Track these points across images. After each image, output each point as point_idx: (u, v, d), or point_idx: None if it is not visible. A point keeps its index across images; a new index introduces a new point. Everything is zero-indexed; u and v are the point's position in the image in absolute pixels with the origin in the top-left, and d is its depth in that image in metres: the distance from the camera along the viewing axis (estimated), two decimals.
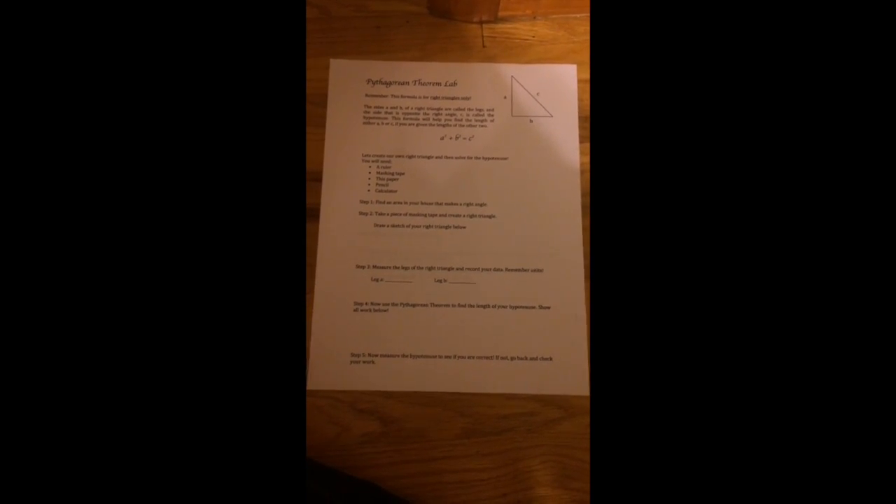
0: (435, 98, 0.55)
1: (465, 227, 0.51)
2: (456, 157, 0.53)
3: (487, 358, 0.48)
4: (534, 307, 0.49)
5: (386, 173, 0.52)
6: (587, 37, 0.56)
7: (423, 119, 0.54)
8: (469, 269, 0.50)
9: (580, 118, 0.54)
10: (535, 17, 0.57)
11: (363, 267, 0.50)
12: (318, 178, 0.52)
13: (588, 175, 0.52)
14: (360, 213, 0.51)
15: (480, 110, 0.54)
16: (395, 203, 0.52)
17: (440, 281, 0.50)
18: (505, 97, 0.55)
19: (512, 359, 0.48)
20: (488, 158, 0.53)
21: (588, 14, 0.56)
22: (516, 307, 0.49)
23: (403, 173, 0.53)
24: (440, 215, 0.51)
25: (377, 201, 0.52)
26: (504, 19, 0.57)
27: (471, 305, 0.49)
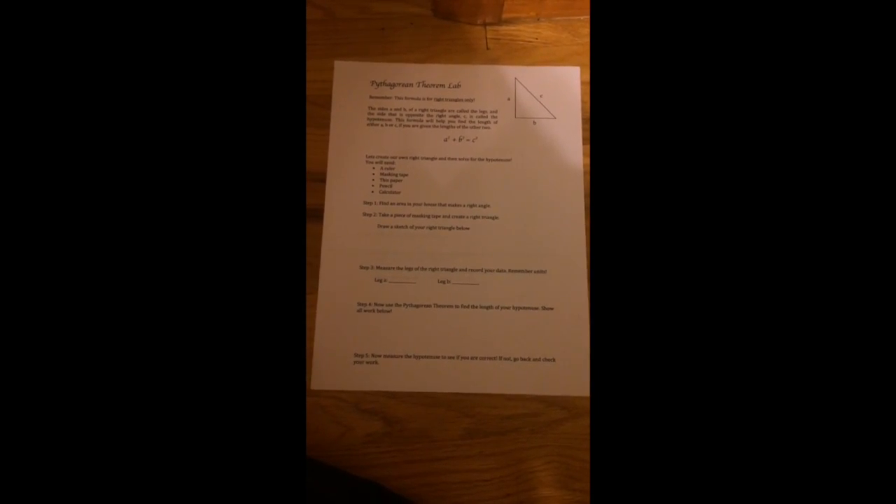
0: (438, 100, 0.55)
1: (468, 229, 0.51)
2: (459, 159, 0.53)
3: (490, 359, 0.48)
4: (537, 308, 0.49)
5: (389, 174, 0.53)
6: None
7: (427, 120, 0.54)
8: (472, 270, 0.50)
9: (583, 120, 0.54)
10: (538, 19, 0.57)
11: (367, 268, 0.50)
12: (322, 179, 0.52)
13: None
14: (364, 214, 0.52)
15: (484, 112, 0.54)
16: (398, 204, 0.52)
17: (443, 282, 0.50)
18: (508, 99, 0.55)
19: (515, 359, 0.48)
20: (492, 160, 0.53)
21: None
22: (519, 308, 0.49)
23: (407, 174, 0.53)
24: (443, 216, 0.52)
25: (381, 202, 0.52)
26: (508, 21, 0.57)
27: (474, 306, 0.49)
